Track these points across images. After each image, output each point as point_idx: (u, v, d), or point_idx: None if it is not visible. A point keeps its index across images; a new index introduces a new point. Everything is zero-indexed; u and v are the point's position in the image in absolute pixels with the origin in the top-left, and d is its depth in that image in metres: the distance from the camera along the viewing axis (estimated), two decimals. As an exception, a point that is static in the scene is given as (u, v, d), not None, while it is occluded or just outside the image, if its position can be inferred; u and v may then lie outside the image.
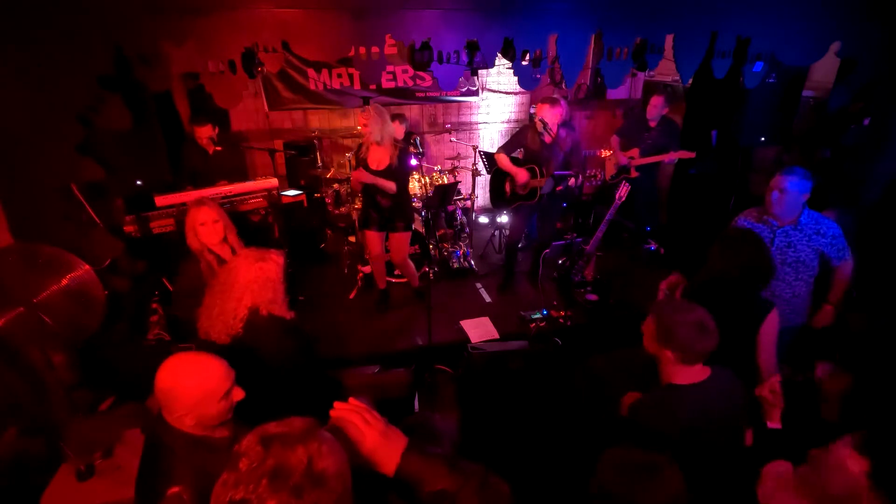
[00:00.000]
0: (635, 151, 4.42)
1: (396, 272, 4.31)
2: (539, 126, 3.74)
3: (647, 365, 1.96)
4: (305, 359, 2.21)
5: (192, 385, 1.39)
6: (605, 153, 4.70)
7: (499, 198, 4.29)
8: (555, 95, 4.41)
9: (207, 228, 2.53)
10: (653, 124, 4.41)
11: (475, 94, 5.76)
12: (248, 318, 1.96)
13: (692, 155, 4.14)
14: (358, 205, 4.50)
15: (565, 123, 3.94)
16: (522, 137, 3.98)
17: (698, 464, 1.66)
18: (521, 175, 3.91)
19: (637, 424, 1.78)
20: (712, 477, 1.67)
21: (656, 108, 4.33)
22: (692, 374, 1.72)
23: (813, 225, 2.50)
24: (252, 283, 1.96)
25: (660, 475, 1.23)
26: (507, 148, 4.05)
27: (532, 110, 5.25)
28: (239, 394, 1.48)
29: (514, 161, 4.04)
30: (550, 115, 3.71)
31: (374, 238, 3.75)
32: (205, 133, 3.99)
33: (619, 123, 5.59)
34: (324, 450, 0.90)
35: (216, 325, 1.95)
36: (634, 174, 4.41)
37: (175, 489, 1.31)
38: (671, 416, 1.68)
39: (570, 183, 3.80)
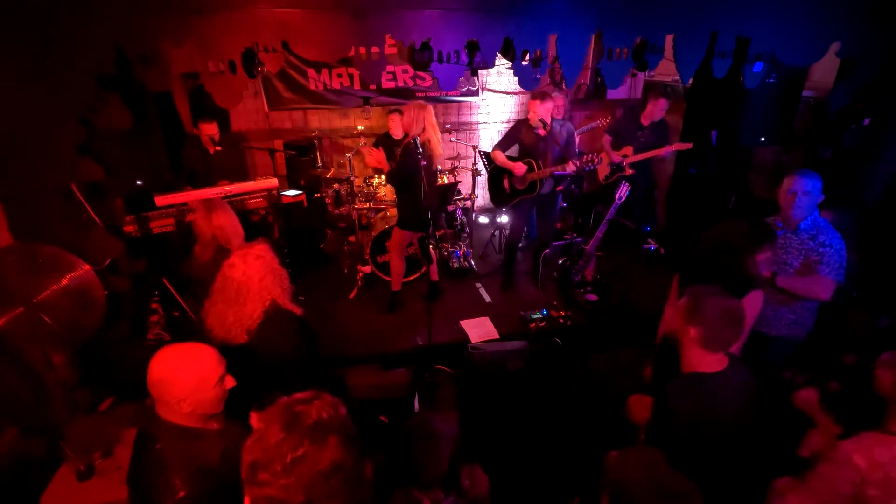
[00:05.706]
0: (629, 149, 4.40)
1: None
2: (536, 122, 3.72)
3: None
4: (311, 354, 2.22)
5: (188, 372, 1.39)
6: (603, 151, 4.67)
7: (498, 195, 4.28)
8: (544, 90, 4.37)
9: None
10: (646, 122, 4.40)
11: (475, 94, 5.76)
12: (265, 313, 1.99)
13: (689, 146, 4.13)
14: (357, 205, 4.51)
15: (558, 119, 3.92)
16: (517, 133, 3.96)
17: (709, 456, 1.66)
18: (519, 168, 3.89)
19: (663, 413, 1.75)
20: (720, 471, 1.67)
21: (662, 110, 4.30)
22: (712, 363, 1.71)
23: (810, 231, 2.44)
24: (260, 278, 1.99)
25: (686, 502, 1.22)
26: (502, 145, 4.04)
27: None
28: (231, 381, 1.49)
29: (510, 158, 4.03)
30: (542, 110, 3.66)
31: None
32: (210, 130, 3.99)
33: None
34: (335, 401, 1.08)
35: (233, 329, 1.98)
36: (629, 171, 4.40)
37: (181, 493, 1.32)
38: (695, 402, 1.66)
39: (569, 170, 3.72)
